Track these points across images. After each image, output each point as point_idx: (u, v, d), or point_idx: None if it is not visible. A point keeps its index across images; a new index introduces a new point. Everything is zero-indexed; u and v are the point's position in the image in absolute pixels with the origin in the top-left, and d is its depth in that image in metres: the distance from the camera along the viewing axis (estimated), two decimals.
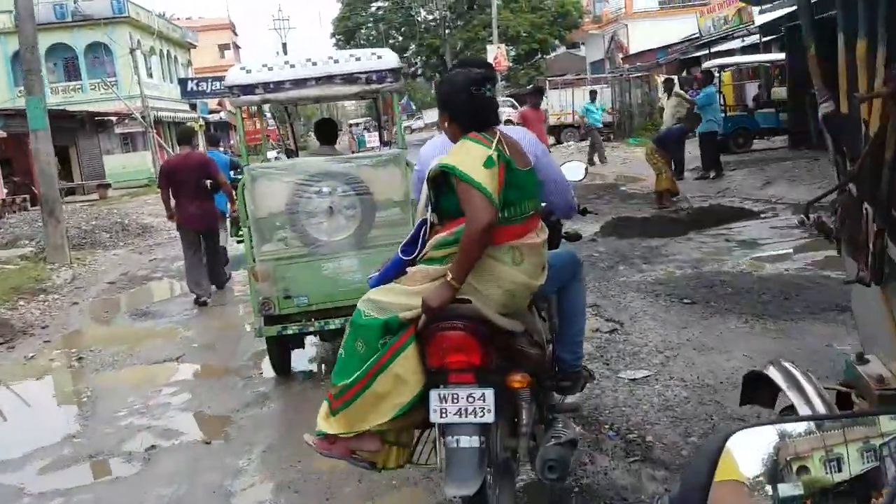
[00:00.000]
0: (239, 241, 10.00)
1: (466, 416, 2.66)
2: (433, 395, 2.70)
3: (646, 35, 34.74)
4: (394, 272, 2.90)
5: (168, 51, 44.18)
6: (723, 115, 16.14)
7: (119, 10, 36.76)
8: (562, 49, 48.32)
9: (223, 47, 62.53)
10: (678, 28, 33.66)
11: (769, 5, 15.60)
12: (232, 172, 8.99)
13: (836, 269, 6.91)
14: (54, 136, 12.44)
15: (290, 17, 70.64)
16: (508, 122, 27.58)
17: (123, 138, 37.82)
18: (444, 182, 2.78)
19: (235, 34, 65.47)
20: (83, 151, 31.32)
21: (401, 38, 48.53)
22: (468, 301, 2.71)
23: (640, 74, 26.15)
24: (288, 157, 8.15)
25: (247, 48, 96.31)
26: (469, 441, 2.65)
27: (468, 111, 2.84)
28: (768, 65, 18.63)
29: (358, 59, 5.22)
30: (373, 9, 47.89)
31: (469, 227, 2.62)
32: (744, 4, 20.08)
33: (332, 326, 5.15)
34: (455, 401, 2.68)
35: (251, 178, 5.16)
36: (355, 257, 5.15)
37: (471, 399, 2.67)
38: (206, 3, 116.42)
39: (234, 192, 7.52)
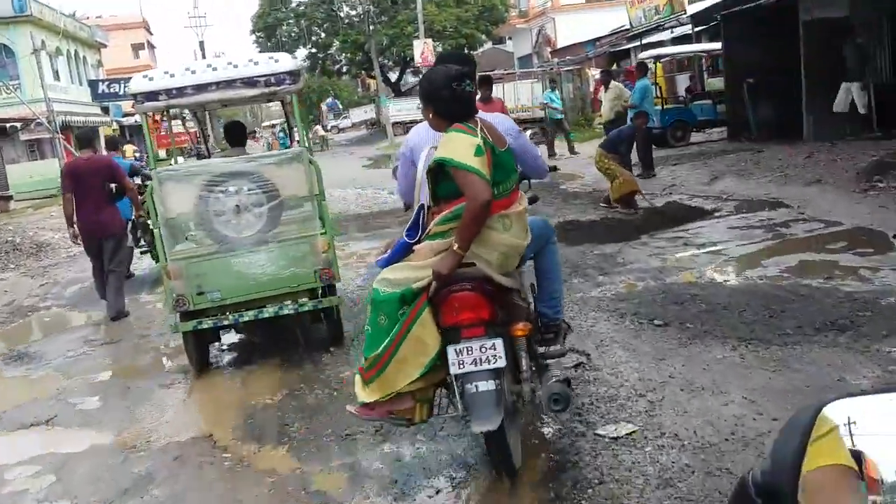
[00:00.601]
0: (143, 252, 9.49)
1: (481, 364, 3.12)
2: (450, 350, 3.15)
3: (573, 28, 34.28)
4: (401, 253, 3.35)
5: (76, 51, 41.71)
6: (658, 108, 15.55)
7: (20, 8, 34.28)
8: (489, 45, 47.66)
9: (137, 47, 59.79)
10: (606, 21, 33.27)
11: None
12: (135, 179, 8.87)
13: (817, 276, 6.17)
14: None
15: (207, 14, 67.95)
16: None
17: (30, 145, 35.39)
18: (439, 172, 3.20)
19: (150, 33, 62.70)
20: None
21: (323, 35, 47.03)
22: (472, 265, 3.18)
23: (570, 68, 25.53)
24: (199, 160, 8.26)
25: (163, 48, 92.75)
26: (486, 385, 3.12)
27: (451, 105, 3.26)
28: (704, 55, 18.12)
29: (256, 63, 5.43)
30: (293, 4, 46.21)
31: (471, 204, 3.05)
32: None
33: (245, 318, 5.49)
34: (470, 352, 3.13)
35: (159, 181, 5.38)
36: (264, 252, 5.44)
37: (483, 349, 3.13)
38: (118, 2, 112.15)
39: (139, 197, 7.71)
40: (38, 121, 33.92)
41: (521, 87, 26.55)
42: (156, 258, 7.26)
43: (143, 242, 9.18)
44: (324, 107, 77.71)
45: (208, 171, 5.61)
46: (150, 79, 5.36)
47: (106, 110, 42.14)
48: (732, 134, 15.90)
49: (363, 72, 52.67)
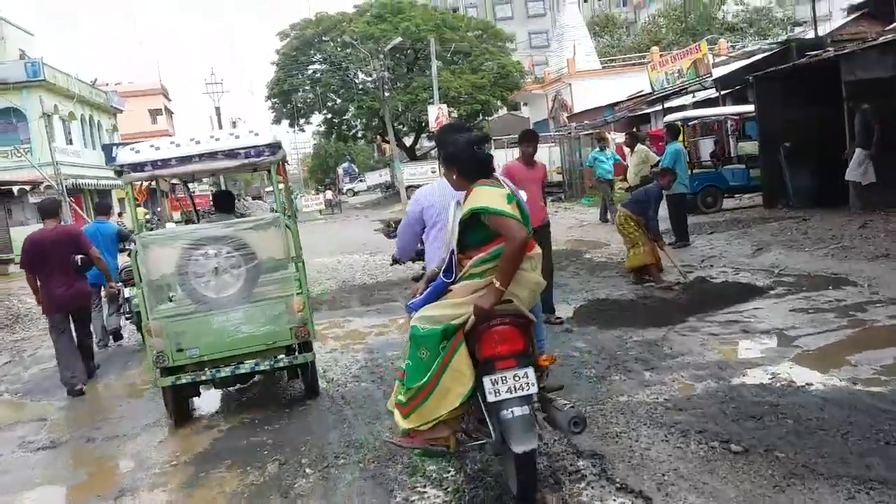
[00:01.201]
0: (128, 319, 9.35)
1: (516, 392, 3.48)
2: (486, 381, 3.50)
3: (589, 94, 33.59)
4: (437, 294, 3.75)
5: (91, 116, 41.44)
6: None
7: (34, 73, 34.03)
8: (503, 111, 47.17)
9: (155, 112, 59.95)
10: (622, 86, 32.62)
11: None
12: (122, 244, 9.09)
13: None
14: None
15: (224, 80, 68.10)
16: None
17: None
18: (470, 222, 3.61)
19: (168, 99, 62.97)
20: None
21: (339, 101, 46.67)
22: (510, 301, 3.56)
23: (589, 132, 24.53)
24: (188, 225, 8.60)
25: (180, 113, 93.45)
26: (521, 410, 3.49)
27: (474, 165, 3.73)
28: (734, 118, 17.03)
29: (237, 136, 5.81)
30: (309, 71, 46.01)
31: (511, 244, 3.47)
32: (700, 56, 18.61)
33: (222, 374, 5.73)
34: (505, 381, 3.49)
35: (142, 245, 5.68)
36: (241, 311, 5.68)
37: (517, 378, 3.49)
38: (137, 69, 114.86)
39: (107, 268, 7.77)
40: (47, 184, 33.45)
41: (539, 152, 25.57)
42: (139, 327, 7.45)
43: (127, 309, 8.95)
44: (340, 171, 77.69)
45: (189, 236, 5.89)
46: (137, 151, 5.70)
47: (120, 174, 41.72)
48: (768, 200, 14.66)
49: (379, 136, 52.25)
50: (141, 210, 37.91)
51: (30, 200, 33.68)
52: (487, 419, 3.62)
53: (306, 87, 45.63)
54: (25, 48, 37.75)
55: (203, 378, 5.75)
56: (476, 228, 3.61)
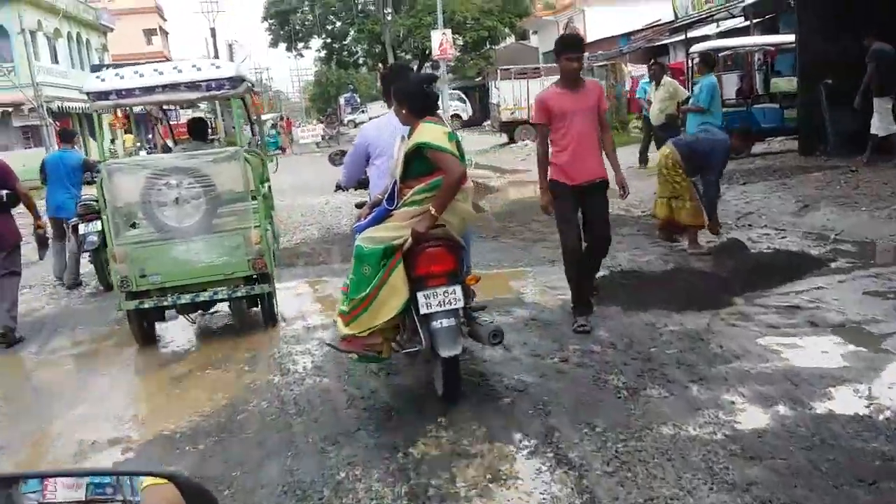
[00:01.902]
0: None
1: (445, 305, 3.97)
2: (420, 296, 3.98)
3: (604, 22, 31.36)
4: (379, 218, 4.16)
5: (79, 34, 39.23)
6: None
7: None
8: (511, 40, 44.80)
9: (150, 32, 57.40)
10: (637, 15, 30.39)
11: None
12: (88, 174, 8.62)
13: None
14: None
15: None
16: (456, 116, 22.35)
17: (24, 132, 32.88)
18: (413, 155, 4.01)
19: (163, 19, 60.29)
20: None
21: (338, 24, 44.31)
22: (442, 226, 4.02)
23: (603, 63, 22.70)
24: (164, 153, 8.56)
25: (176, 33, 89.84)
26: (449, 321, 3.99)
27: (422, 102, 4.15)
28: (770, 49, 15.23)
29: (199, 69, 6.07)
30: None
31: (449, 178, 3.93)
32: None
33: (183, 301, 5.97)
34: (436, 297, 3.97)
35: (108, 173, 5.85)
36: (202, 241, 5.89)
37: (446, 294, 3.98)
38: None
39: (33, 204, 6.99)
40: (31, 106, 31.68)
41: (550, 84, 23.76)
42: (97, 266, 8.31)
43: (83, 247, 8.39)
44: (342, 100, 75.26)
45: (154, 166, 6.04)
46: (102, 80, 5.92)
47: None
48: (806, 146, 13.05)
49: (381, 64, 49.92)
50: (130, 137, 35.58)
51: (13, 123, 32.05)
52: (419, 329, 4.04)
53: (305, 8, 43.22)
54: None
55: (165, 304, 5.94)
56: (418, 161, 4.04)
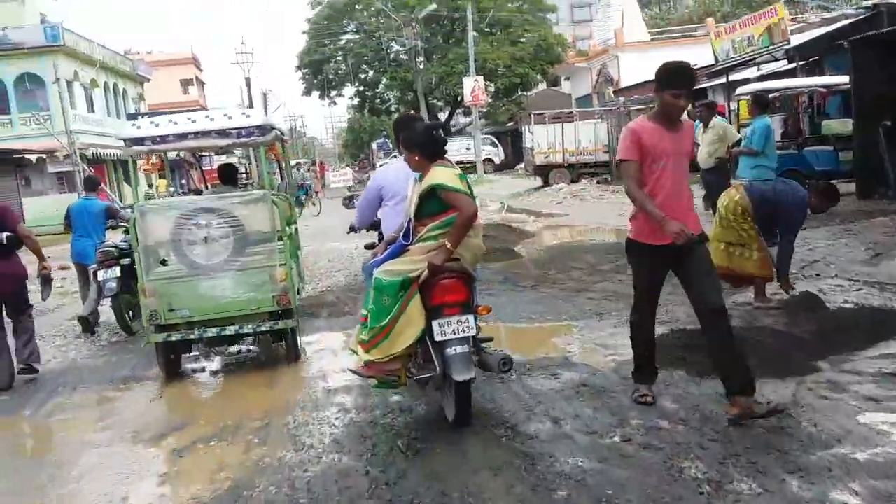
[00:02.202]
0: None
1: (459, 333, 4.22)
2: (435, 324, 4.23)
3: (638, 67, 30.81)
4: (396, 253, 4.46)
5: (115, 84, 39.77)
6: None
7: (53, 37, 32.35)
8: (542, 86, 44.58)
9: (186, 83, 58.36)
10: (672, 59, 29.89)
11: None
12: (112, 220, 8.78)
13: None
14: None
15: (254, 49, 66.03)
16: (489, 160, 21.61)
17: (59, 178, 33.05)
18: (426, 196, 4.32)
19: (199, 69, 61.33)
20: None
21: (371, 73, 44.48)
22: (456, 259, 4.28)
23: (641, 107, 22.05)
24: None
25: (211, 83, 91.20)
26: (462, 348, 4.23)
27: (432, 147, 4.45)
28: (822, 90, 14.49)
29: (230, 117, 6.29)
30: (341, 42, 43.77)
31: (462, 215, 4.21)
32: (776, 21, 16.03)
33: (209, 334, 6.16)
34: (450, 325, 4.22)
35: (140, 214, 6.12)
36: (228, 277, 6.10)
37: (459, 322, 4.23)
38: (169, 38, 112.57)
39: (39, 247, 6.82)
40: (66, 153, 31.91)
41: (583, 128, 23.17)
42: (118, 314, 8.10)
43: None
44: (374, 146, 75.58)
45: (184, 207, 6.27)
46: (138, 127, 6.31)
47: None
48: (864, 189, 12.23)
49: (412, 111, 50.05)
50: (164, 182, 36.16)
51: (48, 170, 32.25)
52: (434, 356, 4.30)
53: (338, 58, 43.49)
54: (47, 13, 36.10)
55: (192, 337, 6.15)
56: (431, 201, 4.34)
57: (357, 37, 43.45)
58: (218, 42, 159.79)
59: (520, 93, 42.37)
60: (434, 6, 33.47)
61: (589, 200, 18.83)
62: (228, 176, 7.91)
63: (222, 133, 6.13)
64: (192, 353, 6.77)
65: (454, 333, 4.20)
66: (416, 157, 4.44)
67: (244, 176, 42.49)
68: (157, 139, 6.05)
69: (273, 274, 6.09)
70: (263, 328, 6.24)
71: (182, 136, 6.08)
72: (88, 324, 8.38)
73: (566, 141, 22.86)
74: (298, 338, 6.47)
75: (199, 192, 9.79)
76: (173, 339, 6.12)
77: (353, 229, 5.80)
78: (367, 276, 4.72)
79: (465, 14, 41.22)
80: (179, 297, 6.05)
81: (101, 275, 7.96)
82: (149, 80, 44.68)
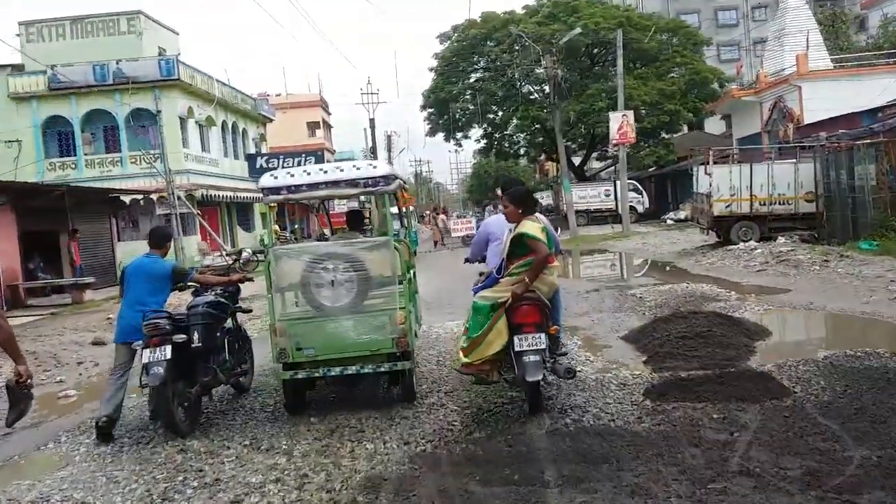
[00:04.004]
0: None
1: (533, 346, 5.44)
2: (516, 338, 5.48)
3: (825, 98, 24.55)
4: (491, 283, 5.89)
5: (235, 123, 37.00)
6: None
7: (167, 71, 29.66)
8: (685, 130, 38.58)
9: (313, 125, 55.94)
10: (865, 90, 23.54)
11: None
12: (179, 282, 6.88)
13: None
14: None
15: (380, 90, 62.97)
16: (632, 208, 16.11)
17: (167, 220, 30.06)
18: (517, 241, 5.72)
19: (327, 112, 58.98)
20: (84, 237, 22.95)
21: (500, 113, 39.91)
22: (532, 292, 5.58)
23: (872, 141, 16.04)
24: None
25: (337, 121, 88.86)
26: (535, 357, 5.41)
27: (529, 206, 5.88)
28: None
29: (358, 168, 6.55)
30: (470, 80, 39.55)
31: (538, 258, 5.58)
32: None
33: (332, 373, 6.28)
34: (527, 339, 5.45)
35: (275, 258, 6.34)
36: (352, 319, 6.22)
37: (534, 338, 5.46)
38: (298, 81, 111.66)
39: (16, 346, 4.74)
40: (170, 193, 28.89)
41: (780, 171, 17.25)
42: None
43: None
44: (499, 191, 71.02)
45: (313, 252, 6.47)
46: (276, 177, 6.41)
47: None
48: None
49: (543, 154, 44.96)
50: (277, 228, 33.02)
51: (156, 212, 29.32)
52: (514, 362, 5.53)
53: (466, 97, 39.19)
54: (167, 47, 33.78)
55: (317, 375, 6.28)
56: (519, 246, 5.73)
57: (487, 75, 39.12)
58: (343, 79, 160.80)
59: (663, 134, 36.51)
60: (578, 30, 28.45)
61: (807, 268, 12.95)
62: (355, 221, 8.03)
63: (351, 183, 6.38)
64: (314, 389, 6.90)
65: (529, 346, 5.46)
66: (516, 210, 5.84)
67: (367, 221, 39.28)
68: (293, 188, 6.28)
69: (393, 316, 6.17)
70: (383, 369, 6.31)
71: (315, 186, 6.33)
72: (108, 432, 6.15)
73: (755, 186, 17.01)
74: (415, 379, 6.59)
75: (323, 237, 9.80)
76: (300, 376, 6.24)
77: (468, 261, 7.18)
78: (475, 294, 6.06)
79: (605, 50, 36.16)
80: (306, 337, 6.16)
81: (146, 355, 6.07)
82: (272, 120, 41.94)
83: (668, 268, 15.88)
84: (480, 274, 6.67)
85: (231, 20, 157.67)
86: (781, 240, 16.33)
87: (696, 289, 11.87)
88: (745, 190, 17.03)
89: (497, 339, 5.49)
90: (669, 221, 32.00)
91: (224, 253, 31.49)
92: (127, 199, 26.47)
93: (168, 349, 5.94)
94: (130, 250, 28.03)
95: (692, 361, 7.07)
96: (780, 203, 16.97)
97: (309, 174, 6.37)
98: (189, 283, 6.95)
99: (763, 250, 15.03)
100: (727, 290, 11.49)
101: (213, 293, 6.90)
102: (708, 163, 17.67)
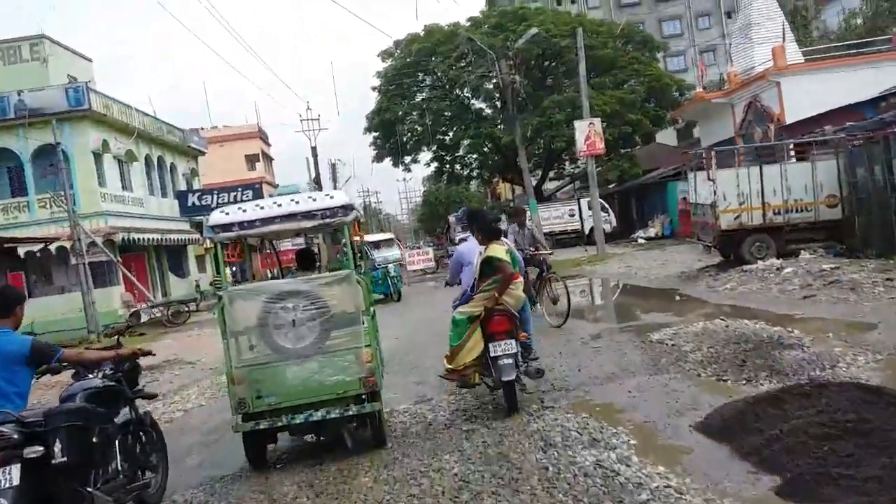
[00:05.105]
0: None
1: (506, 350, 6.38)
2: (490, 345, 6.42)
3: (806, 94, 22.10)
4: (466, 300, 6.87)
5: (161, 157, 33.13)
6: None
7: (77, 101, 25.76)
8: (667, 131, 36.15)
9: (252, 158, 52.15)
10: (848, 83, 21.22)
11: None
12: (41, 365, 5.02)
13: None
14: None
15: (320, 115, 58.62)
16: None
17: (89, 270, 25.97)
18: (485, 263, 6.72)
19: (267, 144, 55.28)
20: None
21: (450, 134, 36.85)
22: (503, 302, 6.55)
23: (865, 134, 13.39)
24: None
25: (277, 155, 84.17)
26: (508, 361, 6.35)
27: (492, 232, 6.99)
28: None
29: (314, 199, 6.14)
30: (417, 99, 36.49)
31: (504, 276, 6.55)
32: None
33: (297, 421, 5.83)
34: (500, 346, 6.39)
35: (228, 300, 5.93)
36: (316, 361, 5.85)
37: (506, 344, 6.40)
38: (232, 112, 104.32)
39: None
40: (90, 240, 24.98)
41: (794, 171, 14.40)
42: None
43: None
44: (451, 219, 68.07)
45: (270, 291, 6.03)
46: (227, 213, 6.06)
47: (199, 227, 32.74)
48: None
49: (498, 174, 42.00)
50: (228, 272, 28.49)
51: (71, 261, 25.20)
52: (491, 366, 6.44)
53: (413, 116, 36.08)
54: (79, 75, 29.86)
55: (280, 424, 5.83)
56: (488, 266, 6.70)
57: (434, 92, 36.14)
58: (281, 108, 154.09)
59: (625, 148, 33.88)
60: (535, 30, 25.61)
61: (869, 291, 10.01)
62: (306, 260, 7.74)
63: (308, 215, 5.98)
64: (276, 443, 6.41)
65: (503, 351, 6.37)
66: (481, 237, 7.04)
67: (316, 258, 35.70)
68: (245, 224, 5.93)
69: (359, 355, 5.86)
70: (351, 412, 5.88)
71: (269, 220, 5.95)
72: None
73: (767, 192, 14.13)
74: (384, 422, 6.28)
75: (273, 278, 9.45)
76: (262, 426, 5.81)
77: (447, 283, 8.27)
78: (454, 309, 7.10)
79: (556, 62, 33.58)
80: (267, 383, 5.77)
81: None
82: (203, 153, 38.08)
83: (677, 297, 12.80)
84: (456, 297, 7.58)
85: (163, 51, 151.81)
86: (806, 255, 13.45)
87: (742, 328, 8.78)
88: (757, 197, 14.13)
89: (475, 347, 6.46)
90: (641, 240, 29.25)
91: (149, 304, 27.78)
92: (23, 250, 22.44)
93: (15, 470, 4.25)
94: (42, 307, 24.07)
95: (863, 489, 3.94)
96: (797, 210, 14.11)
97: (262, 208, 6.06)
98: (62, 364, 5.19)
99: (795, 269, 12.06)
100: (787, 328, 8.41)
101: (100, 375, 5.32)
102: (709, 167, 14.69)
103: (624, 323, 10.79)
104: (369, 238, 22.56)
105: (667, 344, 8.64)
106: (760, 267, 13.06)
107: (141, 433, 5.47)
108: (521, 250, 9.49)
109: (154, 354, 6.24)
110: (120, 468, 4.93)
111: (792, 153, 16.12)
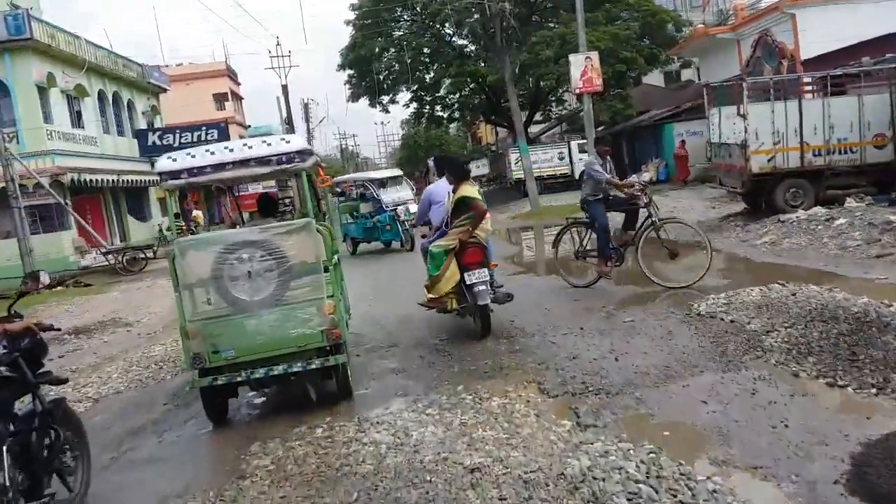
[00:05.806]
0: None
1: (479, 278, 7.08)
2: (465, 274, 7.10)
3: (824, 27, 19.95)
4: (441, 235, 7.43)
5: (117, 94, 30.23)
6: None
7: (17, 29, 22.87)
8: (657, 72, 33.86)
9: (220, 97, 48.94)
10: (868, 17, 19.11)
11: None
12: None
13: None
14: None
15: (292, 52, 55.00)
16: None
17: (32, 214, 23.44)
18: (459, 202, 7.33)
19: (236, 82, 51.98)
20: None
21: (431, 73, 34.17)
22: (476, 236, 7.25)
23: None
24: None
25: (249, 95, 79.92)
26: (482, 287, 7.09)
27: (463, 174, 7.60)
28: None
29: (269, 144, 5.73)
30: (395, 36, 33.62)
31: (478, 212, 7.24)
32: None
33: (256, 375, 5.57)
34: (474, 274, 7.08)
35: (180, 251, 5.59)
36: (274, 313, 5.53)
37: (479, 272, 7.10)
38: (202, 49, 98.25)
39: None
40: (36, 181, 22.52)
41: (839, 106, 12.32)
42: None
43: None
44: (430, 163, 65.52)
45: (225, 241, 5.74)
46: (174, 160, 5.66)
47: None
48: None
49: (482, 115, 39.47)
50: (200, 214, 24.42)
51: (18, 204, 22.61)
52: (467, 293, 7.14)
53: (390, 54, 33.29)
54: (24, 2, 26.69)
55: (238, 379, 5.62)
56: (460, 205, 7.31)
57: (413, 30, 33.30)
58: (250, 43, 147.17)
59: (625, 89, 31.50)
60: None
61: None
62: (267, 206, 7.17)
63: (262, 161, 5.66)
64: (237, 397, 6.20)
65: (477, 278, 7.05)
66: (453, 178, 7.59)
67: (287, 201, 33.47)
68: (195, 171, 5.56)
69: (321, 307, 5.56)
70: (314, 365, 5.62)
71: (220, 167, 5.60)
72: None
73: (806, 130, 12.08)
74: (350, 374, 6.01)
75: (234, 224, 8.77)
76: (219, 382, 5.55)
77: (413, 225, 9.73)
78: (423, 251, 7.58)
79: None
80: (224, 338, 5.50)
81: None
82: (165, 90, 35.11)
83: (703, 251, 10.78)
84: (423, 236, 8.64)
85: None
86: (853, 202, 11.50)
87: (815, 297, 6.80)
88: (794, 136, 12.09)
89: (452, 277, 7.11)
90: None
91: (103, 251, 25.40)
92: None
93: None
94: None
95: None
96: (840, 152, 12.10)
97: (213, 154, 5.64)
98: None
99: (850, 220, 10.11)
100: (879, 300, 6.44)
101: None
102: (740, 101, 12.55)
103: (652, 287, 8.74)
104: (373, 175, 20.59)
105: (723, 319, 6.69)
106: (802, 217, 11.09)
107: (51, 429, 4.41)
108: (607, 185, 8.98)
109: (58, 329, 5.61)
110: (10, 479, 3.83)
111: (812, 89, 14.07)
